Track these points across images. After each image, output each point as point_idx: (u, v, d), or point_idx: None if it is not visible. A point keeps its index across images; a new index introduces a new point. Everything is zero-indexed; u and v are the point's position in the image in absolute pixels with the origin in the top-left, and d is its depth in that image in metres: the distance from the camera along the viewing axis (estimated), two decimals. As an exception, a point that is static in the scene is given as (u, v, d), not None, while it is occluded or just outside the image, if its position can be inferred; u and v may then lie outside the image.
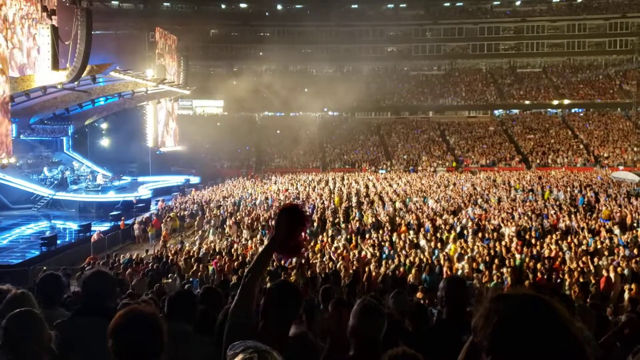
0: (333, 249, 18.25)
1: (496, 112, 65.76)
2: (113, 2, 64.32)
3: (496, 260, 15.49)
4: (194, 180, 45.00)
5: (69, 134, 40.25)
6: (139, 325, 2.21)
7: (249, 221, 24.74)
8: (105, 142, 44.94)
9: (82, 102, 33.65)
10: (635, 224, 21.84)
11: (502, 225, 21.73)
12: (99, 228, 25.77)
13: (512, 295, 1.39)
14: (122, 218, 27.32)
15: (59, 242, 23.14)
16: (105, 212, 29.99)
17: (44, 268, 16.16)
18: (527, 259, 15.62)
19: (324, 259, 16.69)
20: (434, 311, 6.78)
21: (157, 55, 39.82)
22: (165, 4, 66.49)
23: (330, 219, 24.38)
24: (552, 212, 24.38)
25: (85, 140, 43.04)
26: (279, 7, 69.93)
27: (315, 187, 37.80)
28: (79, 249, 21.99)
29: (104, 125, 43.89)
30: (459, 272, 14.88)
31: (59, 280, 4.32)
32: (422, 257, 16.31)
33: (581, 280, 13.48)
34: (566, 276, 13.66)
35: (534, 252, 16.77)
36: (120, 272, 15.58)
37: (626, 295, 12.40)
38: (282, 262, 16.43)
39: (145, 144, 43.15)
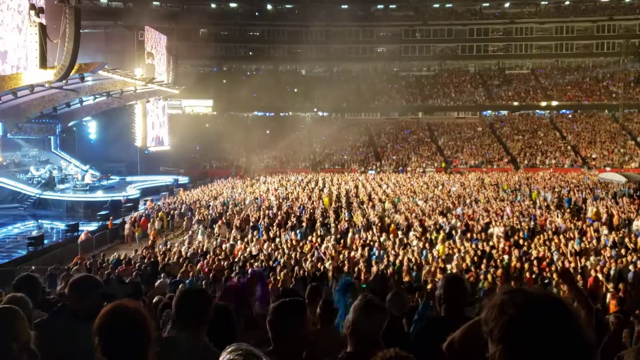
0: (322, 249, 18.25)
1: (485, 113, 66.11)
2: (102, 0, 63.91)
3: (484, 261, 15.59)
4: (183, 180, 44.83)
5: (57, 133, 39.94)
6: (125, 321, 2.15)
7: (239, 221, 24.67)
8: (93, 141, 44.58)
9: (70, 101, 33.35)
10: (621, 225, 22.05)
11: (490, 225, 21.85)
12: (87, 228, 25.52)
13: (530, 291, 1.42)
14: (110, 218, 27.12)
15: (46, 241, 22.88)
16: (93, 212, 29.73)
17: (32, 268, 16.04)
18: (515, 260, 15.72)
19: (314, 259, 16.68)
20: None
21: (146, 54, 39.62)
22: (154, 2, 66.05)
23: (320, 219, 24.37)
24: (540, 212, 24.55)
25: (73, 139, 42.66)
26: (269, 6, 69.89)
27: (305, 187, 37.76)
28: (67, 248, 21.70)
29: (92, 125, 43.51)
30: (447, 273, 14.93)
31: (35, 281, 4.27)
32: (410, 257, 16.35)
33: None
34: (554, 276, 13.76)
35: (522, 252, 16.87)
36: (109, 272, 15.43)
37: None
38: (271, 262, 16.46)
39: (134, 143, 42.90)
